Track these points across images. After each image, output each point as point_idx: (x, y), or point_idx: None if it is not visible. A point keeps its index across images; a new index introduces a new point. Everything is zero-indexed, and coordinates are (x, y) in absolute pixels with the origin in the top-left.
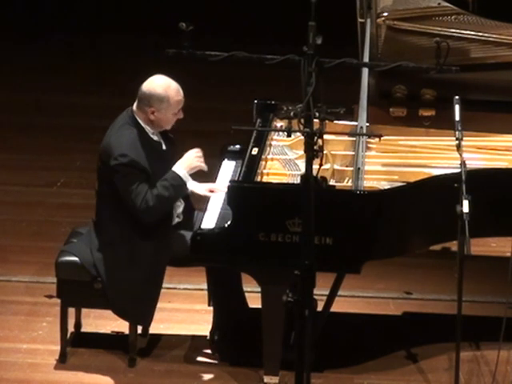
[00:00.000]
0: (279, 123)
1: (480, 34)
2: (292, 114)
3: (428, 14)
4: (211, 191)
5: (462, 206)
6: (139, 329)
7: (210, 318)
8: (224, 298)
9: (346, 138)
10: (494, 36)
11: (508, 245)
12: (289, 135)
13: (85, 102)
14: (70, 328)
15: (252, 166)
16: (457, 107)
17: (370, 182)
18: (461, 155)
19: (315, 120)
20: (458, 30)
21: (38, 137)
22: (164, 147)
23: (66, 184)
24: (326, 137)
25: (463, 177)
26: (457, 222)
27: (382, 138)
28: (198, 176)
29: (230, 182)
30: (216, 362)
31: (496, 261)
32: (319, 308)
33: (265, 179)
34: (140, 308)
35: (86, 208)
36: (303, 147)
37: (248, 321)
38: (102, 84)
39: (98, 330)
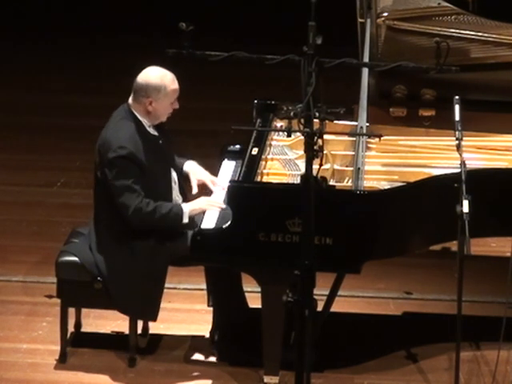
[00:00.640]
0: (279, 123)
1: (480, 34)
2: (292, 114)
3: (428, 14)
4: (213, 183)
5: (462, 206)
6: (139, 329)
7: (209, 318)
8: (224, 298)
9: (346, 138)
10: (494, 36)
11: (508, 245)
12: (289, 135)
13: (85, 101)
14: (70, 328)
15: (252, 165)
16: (457, 107)
17: (370, 182)
18: (461, 155)
19: (315, 120)
20: (457, 30)
21: (38, 137)
22: (160, 141)
23: (66, 184)
24: (326, 137)
25: (463, 177)
26: (457, 222)
27: (382, 138)
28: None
29: (230, 181)
30: (216, 361)
31: (496, 261)
32: (319, 308)
33: (265, 179)
34: (143, 303)
35: (86, 208)
36: (303, 147)
37: (248, 321)
38: (101, 84)
39: (98, 330)
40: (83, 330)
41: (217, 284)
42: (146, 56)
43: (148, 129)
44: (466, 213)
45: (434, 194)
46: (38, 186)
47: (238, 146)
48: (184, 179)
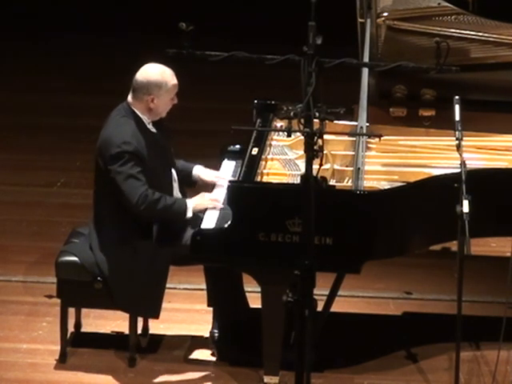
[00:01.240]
0: (279, 123)
1: (480, 34)
2: (292, 113)
3: (428, 14)
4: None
5: (462, 206)
6: (139, 329)
7: (209, 318)
8: (224, 298)
9: (346, 138)
10: (494, 36)
11: (508, 245)
12: (289, 135)
13: (84, 101)
14: (70, 328)
15: (252, 165)
16: (457, 107)
17: (370, 182)
18: (461, 155)
19: (315, 120)
20: (457, 30)
21: (38, 137)
22: (160, 138)
23: (66, 184)
24: (326, 137)
25: (463, 177)
26: (457, 221)
27: (382, 138)
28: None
29: (230, 181)
30: (216, 361)
31: (496, 261)
32: (319, 308)
33: (265, 179)
34: (145, 301)
35: (86, 208)
36: (303, 147)
37: (248, 321)
38: (101, 84)
39: (98, 330)
40: (83, 330)
41: (217, 284)
42: (145, 56)
43: (148, 126)
44: (466, 213)
45: (434, 194)
46: (37, 186)
47: (237, 146)
48: (194, 183)
